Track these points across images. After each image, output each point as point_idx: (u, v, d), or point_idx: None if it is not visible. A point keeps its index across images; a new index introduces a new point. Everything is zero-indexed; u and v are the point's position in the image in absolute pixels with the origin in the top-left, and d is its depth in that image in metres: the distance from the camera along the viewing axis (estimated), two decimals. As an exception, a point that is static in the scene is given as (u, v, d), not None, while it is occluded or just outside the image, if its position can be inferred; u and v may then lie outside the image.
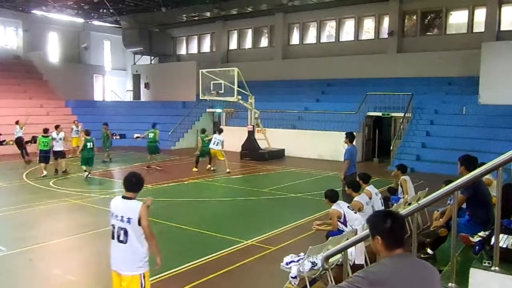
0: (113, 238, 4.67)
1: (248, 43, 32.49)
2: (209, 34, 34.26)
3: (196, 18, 32.21)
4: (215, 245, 8.20)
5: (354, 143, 10.72)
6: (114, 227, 4.65)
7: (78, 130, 21.57)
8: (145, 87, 33.88)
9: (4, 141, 22.40)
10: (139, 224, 4.56)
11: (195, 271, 7.06)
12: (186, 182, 15.11)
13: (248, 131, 21.55)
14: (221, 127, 20.08)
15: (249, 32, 32.14)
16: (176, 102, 30.46)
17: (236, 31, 32.68)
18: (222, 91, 21.14)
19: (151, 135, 17.99)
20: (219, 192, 14.17)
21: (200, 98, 23.01)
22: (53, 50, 33.17)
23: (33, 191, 13.31)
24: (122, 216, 4.59)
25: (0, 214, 10.64)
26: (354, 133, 11.09)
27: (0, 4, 28.42)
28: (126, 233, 4.56)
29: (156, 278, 6.73)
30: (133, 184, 4.71)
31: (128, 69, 36.64)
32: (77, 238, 9.00)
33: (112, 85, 36.12)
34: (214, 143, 16.93)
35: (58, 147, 15.98)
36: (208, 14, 30.56)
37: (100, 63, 35.07)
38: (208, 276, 6.40)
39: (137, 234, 4.58)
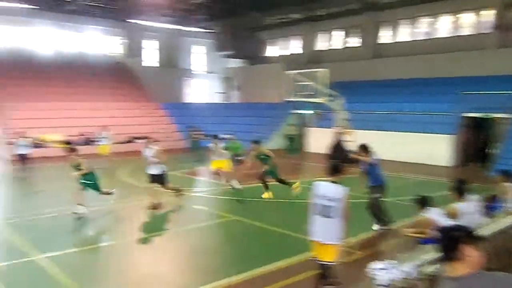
0: (317, 214, 5.75)
1: (336, 43, 32.04)
2: (297, 36, 34.29)
3: (286, 20, 32.40)
4: (301, 247, 8.13)
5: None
6: (320, 206, 5.74)
7: (106, 137, 19.69)
8: (235, 90, 34.72)
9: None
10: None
11: (280, 271, 7.07)
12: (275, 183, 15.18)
13: (336, 133, 21.19)
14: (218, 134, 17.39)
15: (338, 32, 31.68)
16: (264, 104, 30.85)
17: (324, 31, 32.39)
18: (310, 93, 21.02)
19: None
20: (308, 193, 13.97)
21: (288, 100, 23.05)
22: (150, 56, 35.21)
23: (131, 188, 14.13)
24: (330, 196, 5.69)
25: (103, 207, 11.44)
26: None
27: (103, 15, 30.75)
28: (332, 210, 5.66)
29: (240, 279, 6.83)
30: (335, 171, 5.87)
31: (219, 72, 37.76)
32: (173, 233, 9.42)
33: (203, 88, 37.57)
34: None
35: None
36: (297, 16, 30.60)
37: (192, 67, 36.57)
38: (292, 277, 6.38)
39: (340, 212, 5.65)
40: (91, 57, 31.67)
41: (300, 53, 33.70)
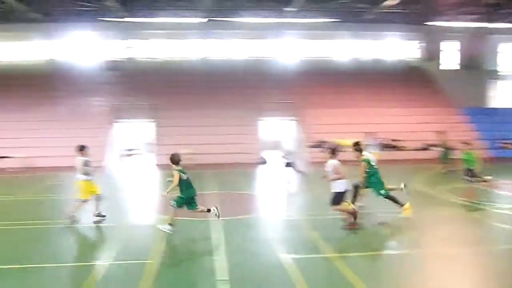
0: None
1: None
2: None
3: None
4: None
5: None
6: None
7: (372, 145, 16.75)
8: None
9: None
10: None
11: None
12: None
13: None
14: None
15: None
16: None
17: None
18: None
19: None
20: None
21: None
22: (449, 58, 33.36)
23: (426, 197, 13.41)
24: None
25: (393, 215, 11.12)
26: None
27: (401, 20, 30.81)
28: None
29: None
30: None
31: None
32: (472, 251, 8.42)
33: (512, 90, 33.41)
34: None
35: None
36: None
37: (499, 68, 33.05)
38: None
39: None
40: (387, 63, 32.22)
41: None
